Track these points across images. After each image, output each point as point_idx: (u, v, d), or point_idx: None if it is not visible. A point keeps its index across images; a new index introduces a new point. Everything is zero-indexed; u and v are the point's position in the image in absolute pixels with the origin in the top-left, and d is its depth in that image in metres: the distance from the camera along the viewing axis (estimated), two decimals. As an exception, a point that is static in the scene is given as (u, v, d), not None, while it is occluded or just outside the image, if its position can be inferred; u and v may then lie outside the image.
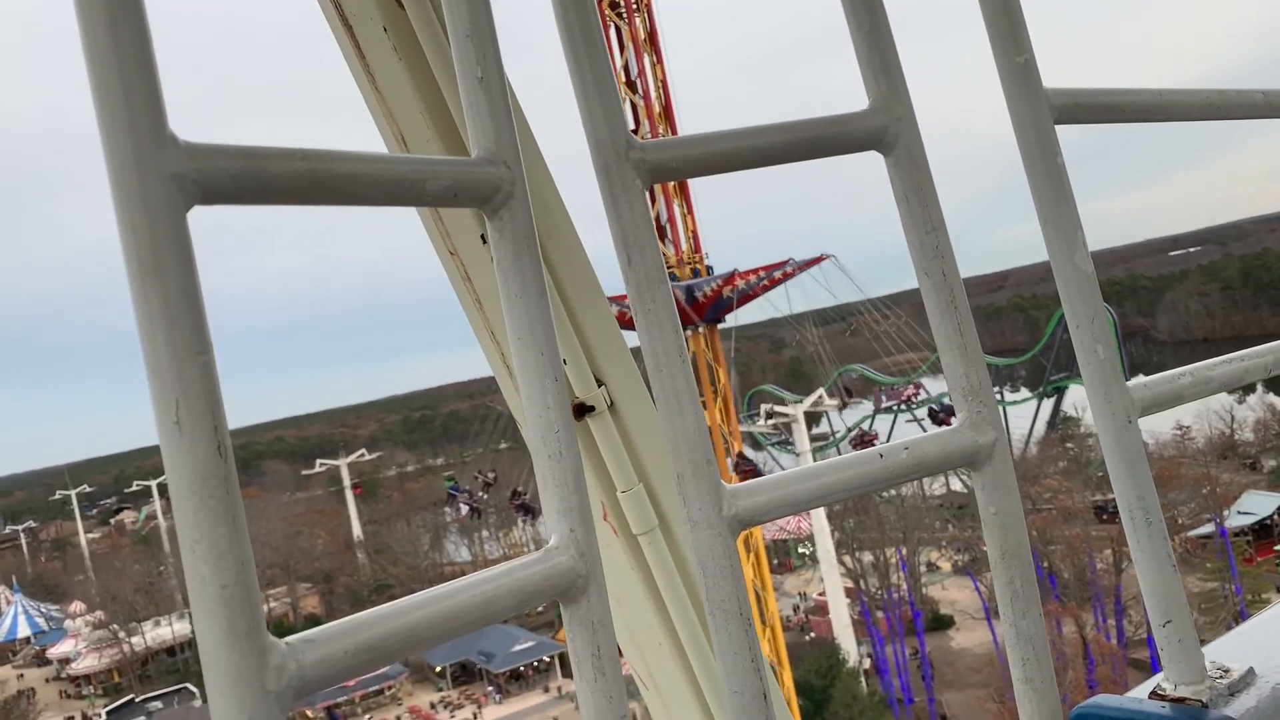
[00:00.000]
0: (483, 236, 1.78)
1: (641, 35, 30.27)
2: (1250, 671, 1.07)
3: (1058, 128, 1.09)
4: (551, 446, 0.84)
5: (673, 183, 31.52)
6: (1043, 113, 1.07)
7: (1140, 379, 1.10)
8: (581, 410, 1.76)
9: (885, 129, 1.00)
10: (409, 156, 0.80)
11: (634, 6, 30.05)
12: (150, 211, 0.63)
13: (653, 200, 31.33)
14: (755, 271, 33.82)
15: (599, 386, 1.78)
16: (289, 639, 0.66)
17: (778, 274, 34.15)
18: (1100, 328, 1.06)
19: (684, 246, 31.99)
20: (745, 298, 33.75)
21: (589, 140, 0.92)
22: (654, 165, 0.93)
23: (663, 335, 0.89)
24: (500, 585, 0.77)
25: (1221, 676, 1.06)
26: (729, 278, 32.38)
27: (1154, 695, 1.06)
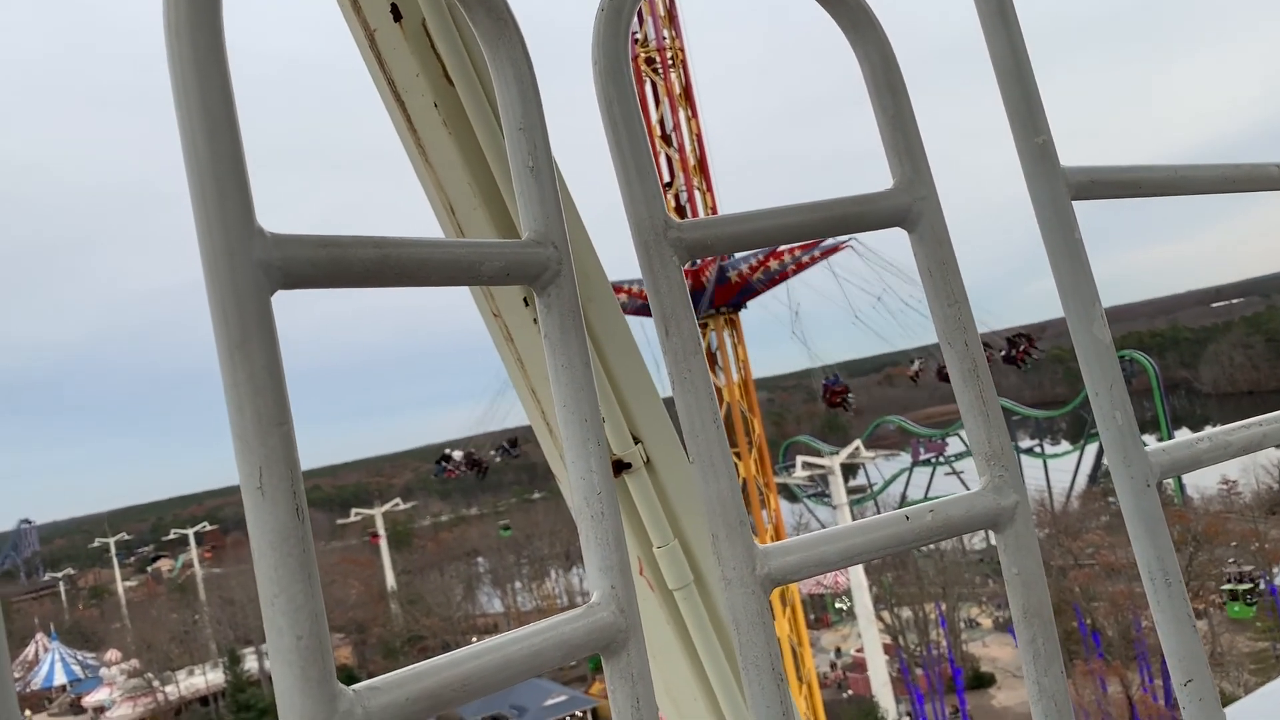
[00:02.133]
0: (525, 300, 1.86)
1: (677, 90, 30.72)
2: None
3: (1075, 204, 1.14)
4: (594, 508, 0.90)
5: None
6: (1060, 190, 1.13)
7: (1158, 444, 1.14)
8: (619, 467, 1.82)
9: (909, 208, 1.07)
10: (466, 241, 0.87)
11: (670, 63, 30.53)
12: (239, 296, 0.70)
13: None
14: (790, 251, 31.95)
15: (635, 444, 1.84)
16: (355, 686, 0.72)
17: (806, 257, 32.58)
18: (1119, 394, 1.11)
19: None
20: (775, 280, 32.52)
21: (629, 220, 0.99)
22: (690, 243, 0.99)
23: (698, 402, 0.95)
24: (548, 638, 0.82)
25: (1245, 736, 1.09)
26: (765, 257, 31.37)
27: None
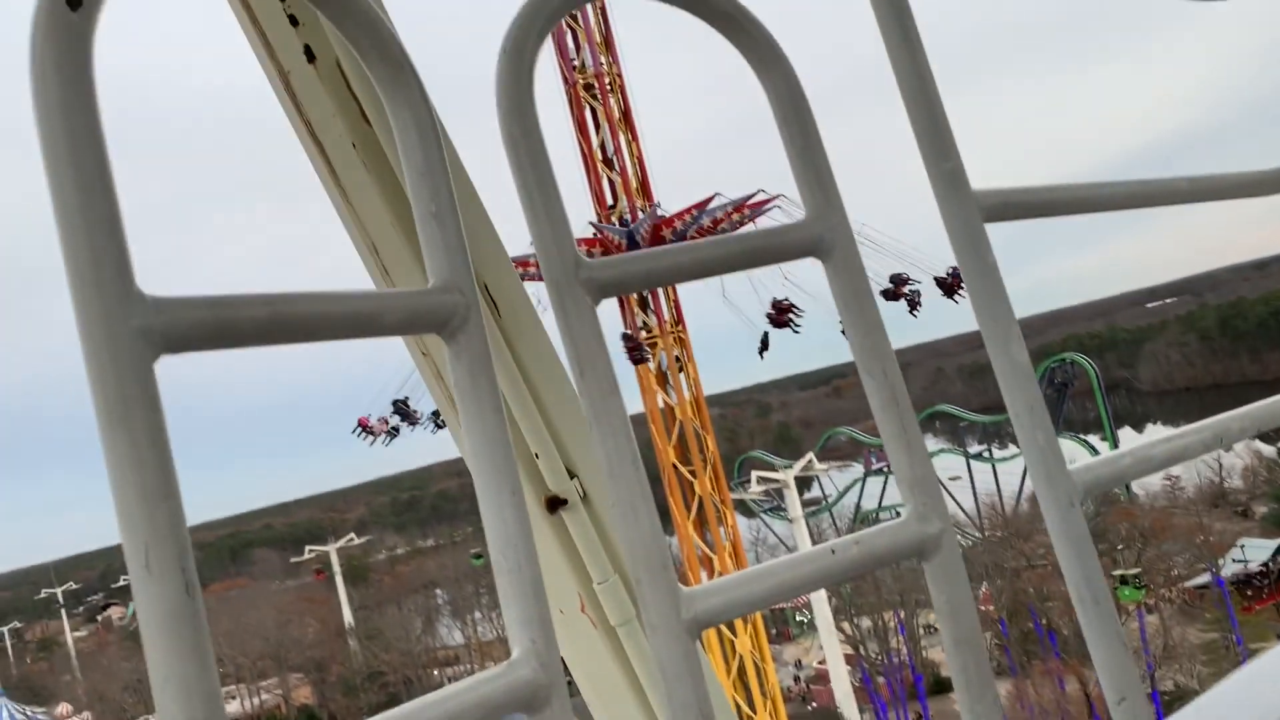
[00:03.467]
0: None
1: (616, 115, 30.84)
2: None
3: (988, 226, 1.15)
4: (511, 560, 0.87)
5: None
6: (972, 214, 1.13)
7: (1081, 463, 1.15)
8: (555, 503, 1.79)
9: (822, 237, 1.06)
10: (366, 292, 0.85)
11: (608, 88, 30.65)
12: (118, 365, 0.67)
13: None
14: (689, 211, 30.40)
15: (571, 479, 1.82)
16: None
17: (709, 219, 31.15)
18: (1039, 414, 1.11)
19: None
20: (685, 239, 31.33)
21: (540, 261, 0.97)
22: (603, 282, 0.98)
23: (617, 444, 0.94)
24: (465, 700, 0.80)
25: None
26: (666, 219, 29.86)
27: None
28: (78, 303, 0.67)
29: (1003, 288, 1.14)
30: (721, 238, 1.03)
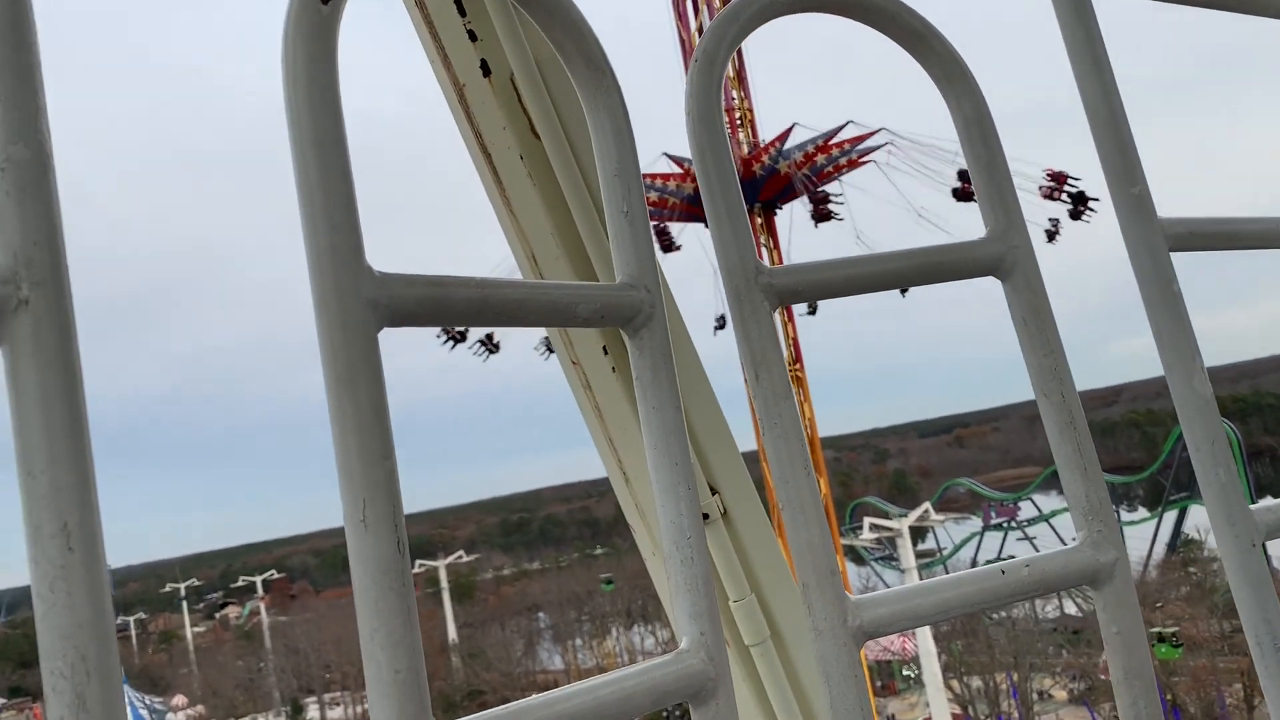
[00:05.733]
0: (604, 348, 1.87)
1: (745, 149, 30.96)
2: None
3: (1173, 255, 1.12)
4: (684, 551, 0.89)
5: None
6: (1158, 242, 1.10)
7: (1266, 502, 1.10)
8: (696, 518, 1.80)
9: (1003, 256, 1.05)
10: (563, 284, 0.88)
11: (738, 122, 30.81)
12: (347, 332, 0.72)
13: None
14: (773, 145, 30.35)
15: (713, 495, 1.83)
16: (449, 724, 0.72)
17: (855, 152, 30.36)
18: (1221, 451, 1.07)
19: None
20: (822, 175, 30.29)
21: (720, 265, 1.00)
22: (781, 289, 0.99)
23: (789, 447, 0.95)
24: (639, 683, 0.81)
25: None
26: (755, 154, 29.92)
27: None
28: (315, 274, 0.72)
29: (1187, 319, 1.11)
30: (906, 251, 1.03)
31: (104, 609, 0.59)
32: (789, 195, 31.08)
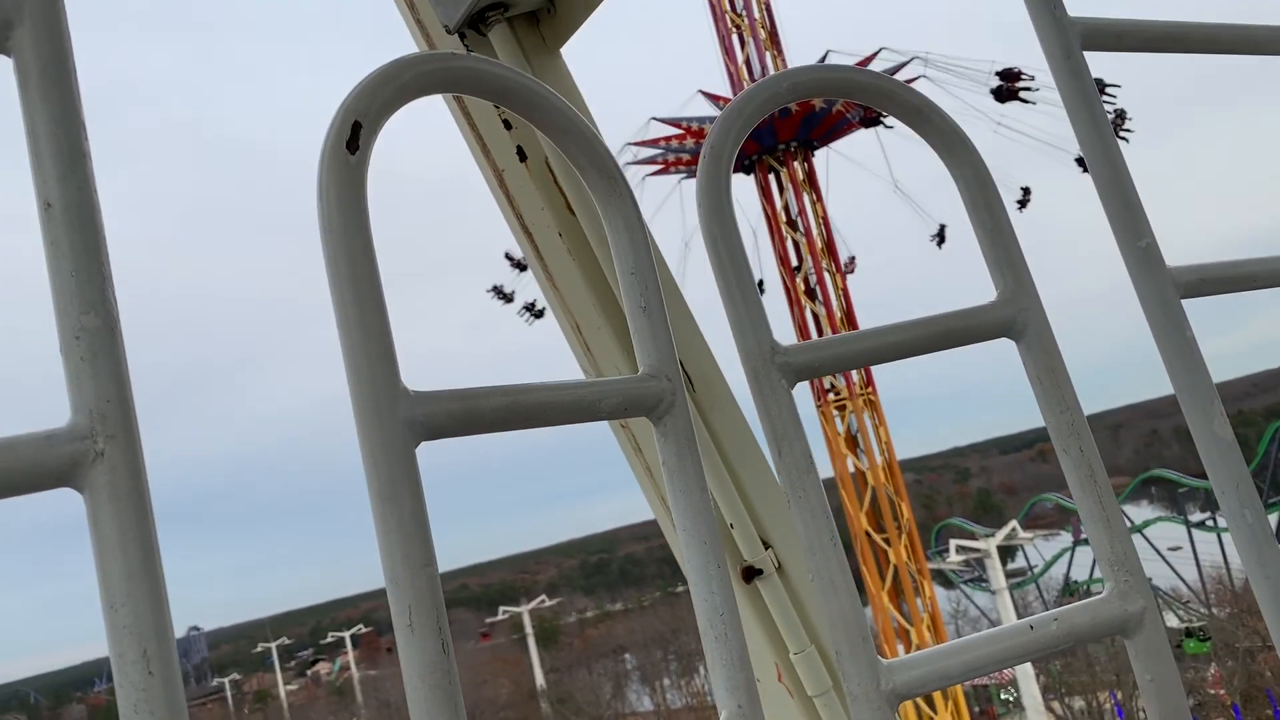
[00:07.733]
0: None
1: (800, 176, 30.91)
2: None
3: (1184, 302, 1.15)
4: (718, 629, 0.94)
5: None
6: (1169, 292, 1.13)
7: (1298, 541, 1.11)
8: (750, 573, 1.84)
9: (1014, 319, 1.09)
10: (587, 381, 0.95)
11: (792, 154, 30.80)
12: (388, 451, 0.79)
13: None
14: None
15: (766, 549, 1.87)
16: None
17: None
18: (1247, 492, 1.09)
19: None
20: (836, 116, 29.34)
21: (738, 347, 1.05)
22: (798, 366, 1.04)
23: (814, 519, 0.99)
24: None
25: None
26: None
27: None
28: (356, 397, 0.80)
29: (1203, 363, 1.13)
30: (917, 320, 1.07)
31: (182, 725, 0.66)
32: (837, 133, 30.47)
